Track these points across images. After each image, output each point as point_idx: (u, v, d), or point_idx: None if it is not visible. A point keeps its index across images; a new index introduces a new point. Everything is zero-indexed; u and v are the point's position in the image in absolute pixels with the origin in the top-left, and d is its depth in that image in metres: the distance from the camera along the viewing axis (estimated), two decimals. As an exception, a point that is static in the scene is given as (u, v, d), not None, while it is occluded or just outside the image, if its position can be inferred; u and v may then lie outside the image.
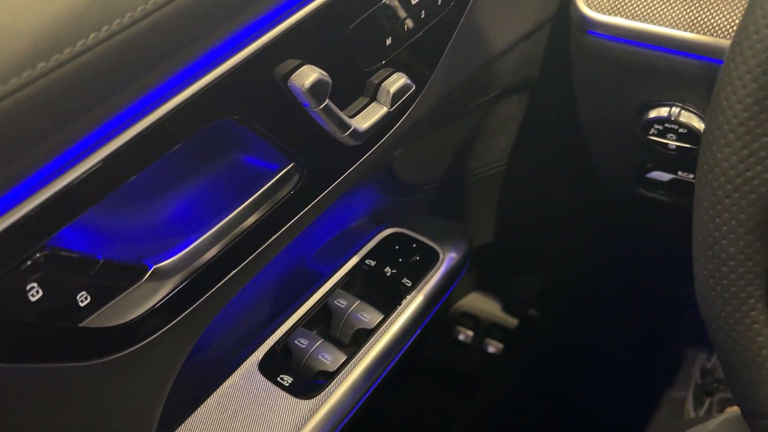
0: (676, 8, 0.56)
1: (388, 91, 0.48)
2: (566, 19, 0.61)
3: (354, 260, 0.60)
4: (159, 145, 0.36)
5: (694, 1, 0.55)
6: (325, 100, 0.42)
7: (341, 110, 0.46)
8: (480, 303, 1.03)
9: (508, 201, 0.86)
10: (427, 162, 0.71)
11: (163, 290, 0.39)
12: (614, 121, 0.65)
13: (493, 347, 1.02)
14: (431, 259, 0.61)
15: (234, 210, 0.44)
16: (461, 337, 1.03)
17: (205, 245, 0.42)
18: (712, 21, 0.55)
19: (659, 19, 0.56)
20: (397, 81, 0.49)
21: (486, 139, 0.74)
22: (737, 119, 0.34)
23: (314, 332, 0.55)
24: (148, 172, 0.36)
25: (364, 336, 0.54)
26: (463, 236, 0.64)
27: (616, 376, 1.04)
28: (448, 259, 0.61)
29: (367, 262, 0.60)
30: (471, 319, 1.03)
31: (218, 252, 0.42)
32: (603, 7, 0.58)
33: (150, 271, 0.39)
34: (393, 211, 0.69)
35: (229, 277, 0.44)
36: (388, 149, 0.53)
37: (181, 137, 0.37)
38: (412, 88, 0.50)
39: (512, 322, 1.01)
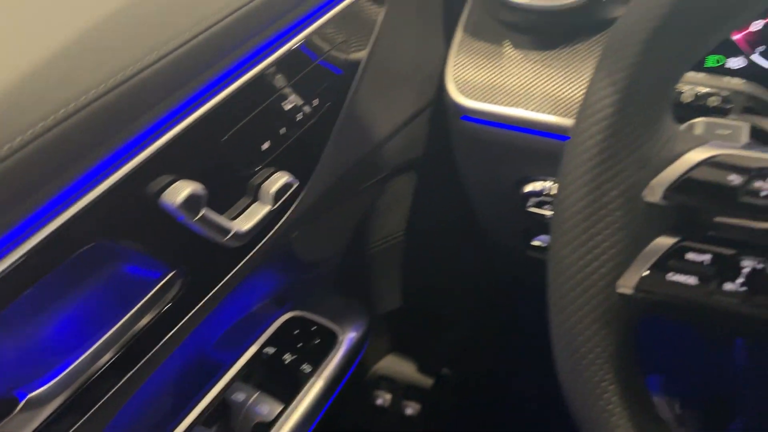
0: (539, 93, 0.60)
1: (269, 191, 0.50)
2: (443, 104, 0.65)
3: (252, 349, 0.61)
4: (29, 277, 0.36)
5: (556, 85, 0.60)
6: (200, 212, 0.43)
7: (223, 212, 0.47)
8: (396, 365, 1.04)
9: (412, 267, 0.88)
10: (325, 240, 0.72)
11: (40, 417, 0.39)
12: (496, 194, 0.69)
13: (411, 409, 1.03)
14: (330, 341, 0.62)
15: (115, 324, 0.44)
16: (379, 401, 1.04)
17: (85, 364, 0.42)
18: (573, 102, 0.60)
19: (525, 103, 0.61)
20: (278, 180, 0.50)
21: (382, 214, 0.76)
22: (573, 220, 0.37)
23: (213, 430, 0.55)
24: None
25: (263, 430, 0.54)
26: (361, 314, 0.66)
27: (531, 425, 1.07)
28: (347, 340, 0.63)
29: (265, 350, 0.61)
30: (388, 382, 1.04)
31: (100, 369, 0.42)
32: (474, 94, 0.62)
33: (23, 402, 0.38)
34: (294, 291, 0.70)
35: (115, 389, 0.44)
36: (275, 244, 0.54)
37: (53, 266, 0.37)
38: (294, 185, 0.52)
39: (428, 381, 1.03)
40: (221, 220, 0.46)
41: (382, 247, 0.81)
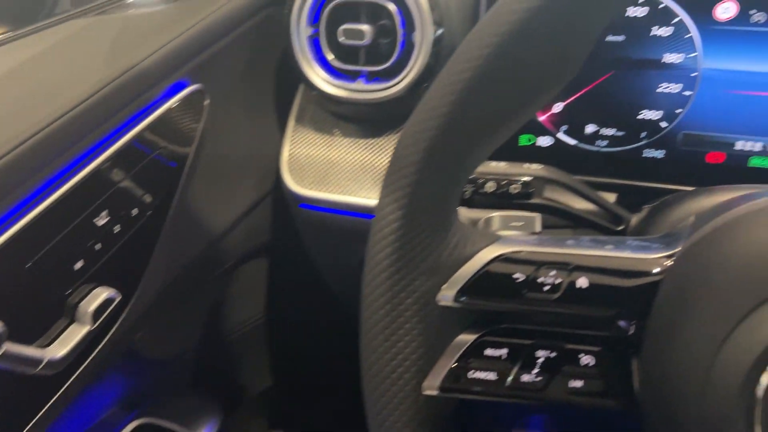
0: (370, 178, 0.62)
1: (87, 310, 0.48)
2: (282, 192, 0.66)
3: (95, 467, 0.58)
4: None
5: (384, 171, 0.62)
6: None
7: (34, 341, 0.45)
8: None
9: (280, 345, 0.87)
10: (174, 337, 0.70)
11: None
12: (344, 273, 0.70)
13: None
14: (180, 447, 0.60)
15: None
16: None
17: None
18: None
19: (357, 189, 0.62)
20: (98, 296, 0.48)
21: (236, 301, 0.75)
22: (375, 329, 0.39)
23: None
24: None
25: None
26: (214, 412, 0.64)
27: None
28: (198, 443, 0.61)
29: (109, 466, 0.58)
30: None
31: None
32: (309, 182, 0.63)
33: None
34: (144, 395, 0.67)
35: None
36: (106, 359, 0.52)
37: None
38: (117, 299, 0.50)
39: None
40: (29, 351, 0.43)
41: (243, 332, 0.80)
